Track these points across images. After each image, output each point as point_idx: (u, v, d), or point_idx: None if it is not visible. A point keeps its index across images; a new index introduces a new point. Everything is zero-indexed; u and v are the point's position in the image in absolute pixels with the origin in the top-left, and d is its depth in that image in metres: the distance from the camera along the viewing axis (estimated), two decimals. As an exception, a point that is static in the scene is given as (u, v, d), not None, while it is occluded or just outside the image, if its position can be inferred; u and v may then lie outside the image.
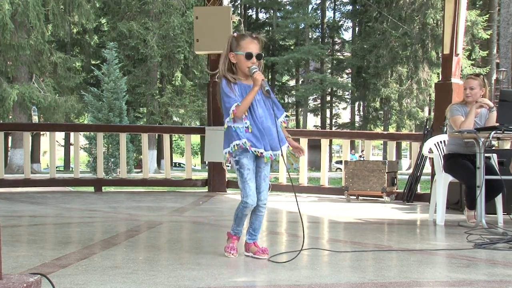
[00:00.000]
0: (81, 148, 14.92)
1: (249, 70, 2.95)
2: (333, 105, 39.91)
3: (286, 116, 3.11)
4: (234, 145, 2.95)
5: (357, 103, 37.29)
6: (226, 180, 8.34)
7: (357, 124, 36.32)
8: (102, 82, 20.88)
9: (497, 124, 4.30)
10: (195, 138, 40.98)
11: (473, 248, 3.50)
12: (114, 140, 18.39)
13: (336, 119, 40.82)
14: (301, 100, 36.22)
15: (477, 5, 30.43)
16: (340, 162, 30.51)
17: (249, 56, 2.94)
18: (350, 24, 38.38)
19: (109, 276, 2.60)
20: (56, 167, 11.25)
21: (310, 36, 37.00)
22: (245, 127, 2.94)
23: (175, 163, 39.86)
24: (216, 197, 7.49)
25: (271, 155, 3.00)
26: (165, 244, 3.73)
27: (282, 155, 3.04)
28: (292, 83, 42.54)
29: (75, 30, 28.79)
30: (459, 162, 4.72)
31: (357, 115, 37.90)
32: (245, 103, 2.92)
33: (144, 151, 9.04)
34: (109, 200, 6.93)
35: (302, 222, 3.61)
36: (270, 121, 2.99)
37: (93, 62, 29.71)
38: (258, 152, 2.95)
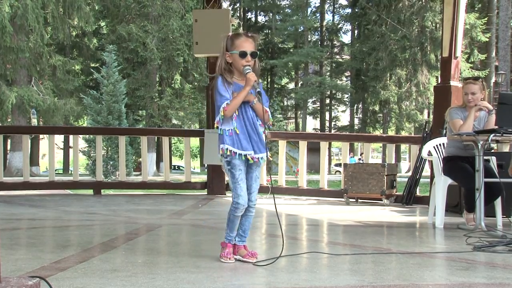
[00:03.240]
0: (80, 151, 14.92)
1: (243, 70, 2.94)
2: (332, 107, 39.93)
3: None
4: (221, 148, 2.96)
5: (356, 106, 37.31)
6: (226, 182, 8.33)
7: (356, 127, 36.33)
8: (101, 85, 20.90)
9: (496, 127, 4.30)
10: (195, 141, 41.02)
11: (472, 251, 3.50)
12: (113, 143, 18.39)
13: (335, 121, 40.83)
14: (300, 102, 36.24)
15: (476, 8, 30.49)
16: (339, 165, 30.54)
17: (243, 54, 2.93)
18: (349, 27, 38.41)
19: (108, 279, 2.59)
20: (55, 170, 11.23)
21: (309, 39, 37.03)
22: (231, 129, 2.93)
23: (174, 165, 39.81)
24: (216, 200, 7.48)
25: (257, 158, 2.98)
26: (164, 247, 3.73)
27: (268, 157, 3.03)
28: (291, 85, 42.59)
29: (74, 33, 28.80)
30: (458, 165, 4.72)
31: (356, 117, 37.91)
32: (236, 101, 2.90)
33: (143, 154, 9.04)
34: (108, 203, 6.92)
35: (280, 225, 3.58)
36: (260, 125, 2.99)
37: (92, 65, 29.72)
38: (247, 154, 2.93)
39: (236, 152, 2.92)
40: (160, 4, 26.37)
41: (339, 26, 38.53)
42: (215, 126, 2.97)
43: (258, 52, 3.01)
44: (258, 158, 2.97)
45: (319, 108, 39.10)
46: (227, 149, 2.92)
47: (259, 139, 2.98)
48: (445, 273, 2.92)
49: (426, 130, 7.14)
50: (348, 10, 37.65)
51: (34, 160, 27.84)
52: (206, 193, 8.40)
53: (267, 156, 3.01)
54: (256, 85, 2.91)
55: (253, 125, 2.97)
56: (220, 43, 3.01)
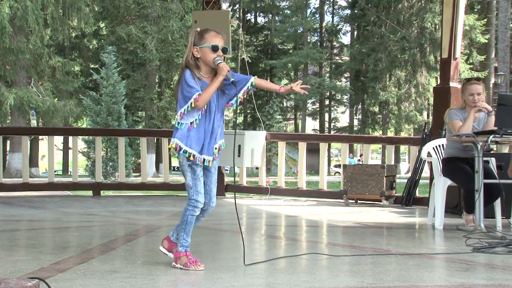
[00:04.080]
0: (79, 152, 14.94)
1: (213, 62, 2.87)
2: (332, 109, 39.95)
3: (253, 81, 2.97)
4: (176, 143, 2.85)
5: (355, 107, 37.35)
6: (225, 184, 8.33)
7: (355, 128, 36.36)
8: (100, 86, 20.91)
9: (496, 128, 4.31)
10: (194, 142, 40.80)
11: (471, 252, 3.50)
12: (113, 144, 18.39)
13: (334, 123, 40.85)
14: (300, 104, 36.25)
15: (475, 10, 30.52)
16: (338, 166, 30.53)
17: (215, 48, 2.88)
18: (348, 28, 38.43)
19: (108, 280, 2.59)
20: (55, 171, 11.25)
21: (308, 40, 37.05)
22: (191, 122, 2.84)
23: (174, 167, 39.80)
24: (215, 201, 7.47)
25: (208, 160, 2.88)
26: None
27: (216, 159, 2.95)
28: (290, 87, 42.50)
29: (74, 34, 28.81)
30: (457, 166, 4.72)
31: (356, 119, 37.94)
32: (208, 92, 2.82)
33: (143, 155, 9.04)
34: (108, 204, 6.92)
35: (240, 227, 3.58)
36: (220, 127, 2.93)
37: (92, 66, 29.72)
38: (191, 155, 2.83)
39: (191, 154, 2.83)
40: (160, 5, 26.38)
41: (339, 27, 38.55)
42: (177, 117, 2.85)
43: (228, 49, 2.98)
44: (204, 160, 2.87)
45: (318, 109, 39.11)
46: (185, 150, 2.82)
47: (211, 141, 2.89)
48: (445, 274, 2.92)
49: (426, 131, 7.14)
50: (348, 11, 37.67)
51: (33, 161, 27.82)
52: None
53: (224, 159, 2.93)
54: (229, 75, 2.86)
55: (212, 125, 2.89)
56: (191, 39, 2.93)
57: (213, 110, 2.90)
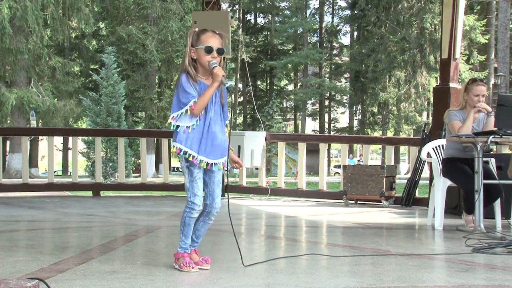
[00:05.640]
0: (79, 152, 14.95)
1: (208, 65, 2.83)
2: (332, 109, 39.96)
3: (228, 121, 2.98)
4: (177, 147, 2.82)
5: (355, 108, 37.36)
6: (225, 184, 8.34)
7: (355, 129, 36.37)
8: (100, 86, 20.94)
9: (495, 128, 4.31)
10: (194, 143, 40.74)
11: (471, 252, 3.50)
12: (113, 144, 18.41)
13: (334, 123, 40.87)
14: (300, 104, 36.27)
15: (475, 10, 30.54)
16: (338, 166, 30.52)
17: (208, 50, 2.82)
18: (348, 28, 38.48)
19: (108, 280, 2.59)
20: (54, 172, 11.24)
21: (308, 41, 37.09)
22: (188, 126, 2.81)
23: (174, 167, 39.82)
24: (215, 202, 7.47)
25: (208, 164, 2.82)
26: (163, 249, 3.72)
27: (224, 166, 2.89)
28: (290, 87, 42.63)
29: (73, 35, 28.81)
30: (457, 167, 4.72)
31: (355, 119, 37.96)
32: (203, 99, 2.78)
33: (143, 155, 9.04)
34: (108, 205, 6.92)
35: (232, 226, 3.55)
36: (219, 127, 2.87)
37: (91, 66, 29.72)
38: (190, 155, 2.80)
39: (191, 154, 2.80)
40: (159, 6, 26.39)
41: (338, 27, 38.59)
42: (170, 121, 2.82)
43: (224, 49, 2.90)
44: (211, 164, 2.83)
45: (318, 109, 39.13)
46: (185, 151, 2.79)
47: (215, 143, 2.84)
48: (444, 274, 2.92)
49: (425, 131, 7.14)
50: (347, 12, 37.72)
51: (33, 161, 27.81)
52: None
53: (227, 162, 2.86)
54: (224, 80, 2.80)
55: (213, 128, 2.84)
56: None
57: (209, 114, 2.84)
